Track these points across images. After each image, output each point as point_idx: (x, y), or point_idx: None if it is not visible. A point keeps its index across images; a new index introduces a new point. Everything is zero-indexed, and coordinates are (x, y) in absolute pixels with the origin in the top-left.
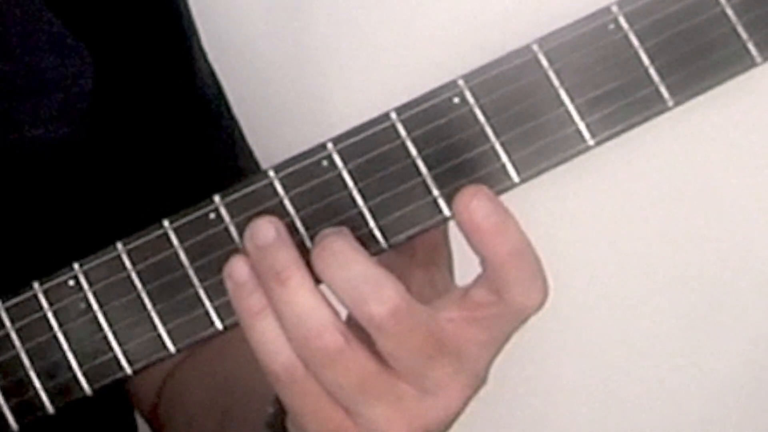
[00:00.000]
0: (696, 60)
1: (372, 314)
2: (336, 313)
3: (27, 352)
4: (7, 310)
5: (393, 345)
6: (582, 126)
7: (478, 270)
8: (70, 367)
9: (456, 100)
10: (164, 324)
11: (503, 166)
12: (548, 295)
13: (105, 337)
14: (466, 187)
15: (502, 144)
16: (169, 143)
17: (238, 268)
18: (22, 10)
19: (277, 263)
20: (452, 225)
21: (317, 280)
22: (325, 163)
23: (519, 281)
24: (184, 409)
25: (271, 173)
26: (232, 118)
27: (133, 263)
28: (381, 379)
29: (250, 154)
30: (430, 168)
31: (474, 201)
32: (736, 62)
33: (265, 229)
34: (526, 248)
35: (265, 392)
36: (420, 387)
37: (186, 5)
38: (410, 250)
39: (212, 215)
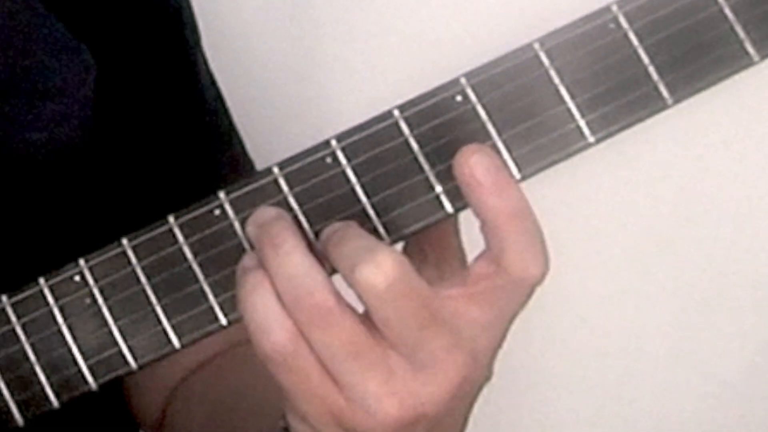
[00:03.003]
0: (695, 58)
1: (365, 277)
2: (329, 278)
3: (32, 346)
4: (13, 305)
5: (387, 311)
6: (582, 123)
7: None
8: (75, 362)
9: (458, 97)
10: (169, 319)
11: (504, 162)
12: (548, 268)
13: (110, 332)
14: (469, 144)
15: (504, 141)
16: (169, 146)
17: (246, 257)
18: (24, 13)
19: (273, 232)
20: (464, 223)
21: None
22: (328, 159)
23: (518, 245)
24: (190, 424)
25: (275, 170)
26: (231, 124)
27: (138, 259)
28: (372, 347)
29: (252, 166)
30: (432, 165)
31: (475, 156)
32: (734, 61)
33: (266, 211)
34: (526, 211)
35: (275, 407)
36: (412, 360)
37: (189, 7)
38: (421, 250)
39: (217, 211)
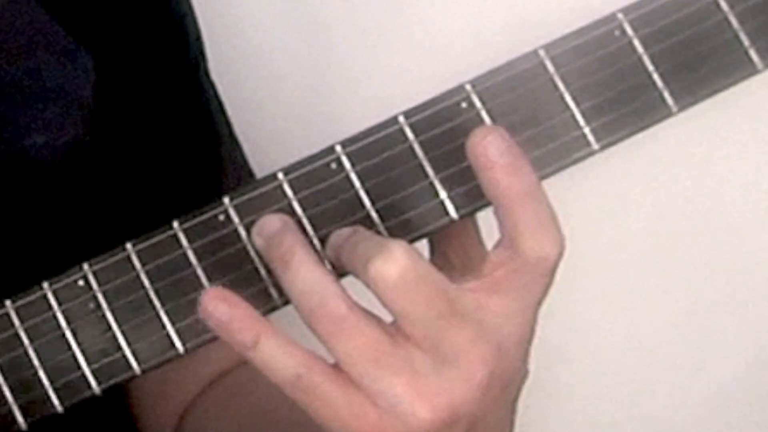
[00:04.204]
0: (699, 66)
1: (378, 270)
2: (341, 286)
3: (36, 351)
4: (17, 309)
5: (403, 302)
6: (587, 130)
7: None
8: (78, 366)
9: (463, 104)
10: (173, 324)
11: None
12: (564, 248)
13: (114, 337)
14: (482, 126)
15: None
16: (170, 151)
17: (216, 309)
18: (23, 15)
19: (282, 247)
20: (484, 225)
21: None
22: (333, 165)
23: (531, 226)
24: None
25: (280, 175)
26: (231, 134)
27: (143, 263)
28: (394, 350)
29: (252, 177)
30: (437, 171)
31: (489, 137)
32: (738, 69)
33: (271, 221)
34: (538, 191)
35: (299, 426)
36: (436, 357)
37: (193, 16)
38: (446, 258)
39: (221, 217)
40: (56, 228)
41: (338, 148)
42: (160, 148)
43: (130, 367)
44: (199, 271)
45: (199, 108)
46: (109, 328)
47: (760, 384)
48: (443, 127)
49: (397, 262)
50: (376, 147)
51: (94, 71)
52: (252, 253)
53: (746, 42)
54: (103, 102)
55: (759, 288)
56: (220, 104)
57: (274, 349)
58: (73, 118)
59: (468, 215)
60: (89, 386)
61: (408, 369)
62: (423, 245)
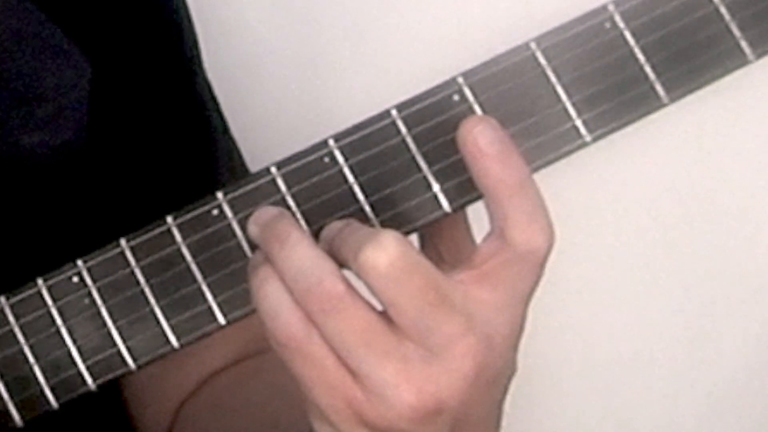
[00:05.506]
0: (690, 57)
1: (369, 259)
2: (337, 267)
3: (31, 347)
4: (12, 306)
5: (393, 291)
6: (579, 122)
7: None
8: (74, 363)
9: (455, 97)
10: (167, 319)
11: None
12: (554, 239)
13: (108, 333)
14: (472, 116)
15: None
16: (165, 149)
17: (256, 254)
18: (17, 14)
19: (277, 229)
20: (473, 219)
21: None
22: (326, 159)
23: (521, 216)
24: None
25: (273, 170)
26: (227, 131)
27: (137, 259)
28: (385, 334)
29: (246, 171)
30: (430, 164)
31: (480, 126)
32: (729, 59)
33: (268, 210)
34: (528, 182)
35: (293, 420)
36: (426, 347)
37: (186, 9)
38: (436, 250)
39: (215, 211)
40: (52, 227)
41: (331, 142)
42: (155, 147)
43: (125, 362)
44: (194, 267)
45: (194, 106)
46: (104, 323)
47: (760, 384)
48: (435, 120)
49: (388, 251)
50: (368, 141)
51: (90, 71)
52: (246, 248)
53: (737, 32)
54: (98, 101)
55: (761, 286)
56: (215, 102)
57: (276, 293)
58: (68, 117)
59: (461, 208)
60: (84, 382)
61: (398, 355)
62: (413, 239)
